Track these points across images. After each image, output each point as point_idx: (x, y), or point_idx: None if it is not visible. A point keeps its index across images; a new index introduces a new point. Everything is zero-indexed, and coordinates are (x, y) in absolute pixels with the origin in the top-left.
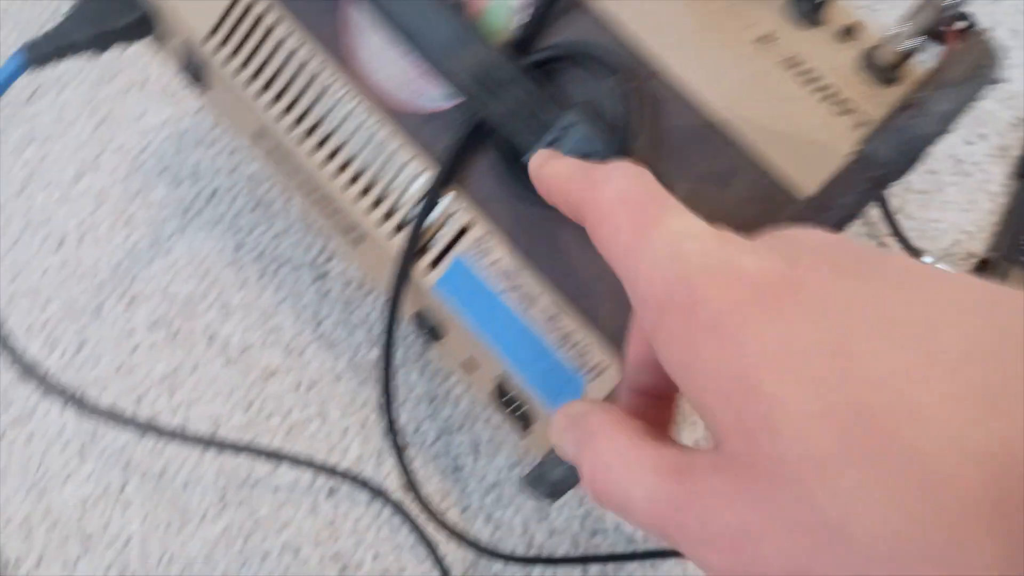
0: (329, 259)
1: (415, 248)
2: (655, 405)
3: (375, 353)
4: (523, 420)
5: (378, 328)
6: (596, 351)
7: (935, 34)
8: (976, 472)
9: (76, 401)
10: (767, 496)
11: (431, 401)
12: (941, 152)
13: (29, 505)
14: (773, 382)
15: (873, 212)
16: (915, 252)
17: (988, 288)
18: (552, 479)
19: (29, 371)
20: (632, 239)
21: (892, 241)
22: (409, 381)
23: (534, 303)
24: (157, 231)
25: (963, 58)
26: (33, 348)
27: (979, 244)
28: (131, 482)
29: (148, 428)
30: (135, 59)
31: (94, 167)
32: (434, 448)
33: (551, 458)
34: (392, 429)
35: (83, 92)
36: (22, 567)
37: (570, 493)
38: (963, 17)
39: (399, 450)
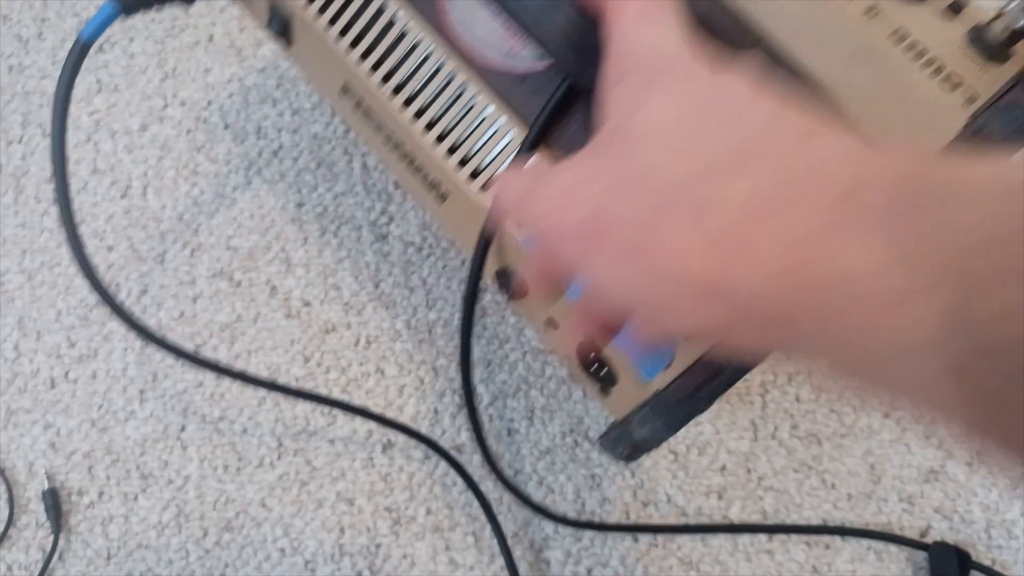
0: (390, 221)
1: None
2: None
3: (432, 315)
4: (605, 381)
5: (437, 291)
6: None
7: None
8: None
9: (145, 333)
10: (605, 154)
11: (487, 365)
12: None
13: (92, 441)
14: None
15: None
16: None
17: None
18: (636, 438)
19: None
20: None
21: None
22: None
23: None
24: (221, 184)
25: None
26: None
27: None
28: (190, 425)
29: (211, 366)
30: (203, 15)
31: (160, 118)
32: (489, 411)
33: (637, 417)
34: (468, 388)
35: (151, 45)
36: (84, 497)
37: (622, 463)
38: None
39: (472, 407)
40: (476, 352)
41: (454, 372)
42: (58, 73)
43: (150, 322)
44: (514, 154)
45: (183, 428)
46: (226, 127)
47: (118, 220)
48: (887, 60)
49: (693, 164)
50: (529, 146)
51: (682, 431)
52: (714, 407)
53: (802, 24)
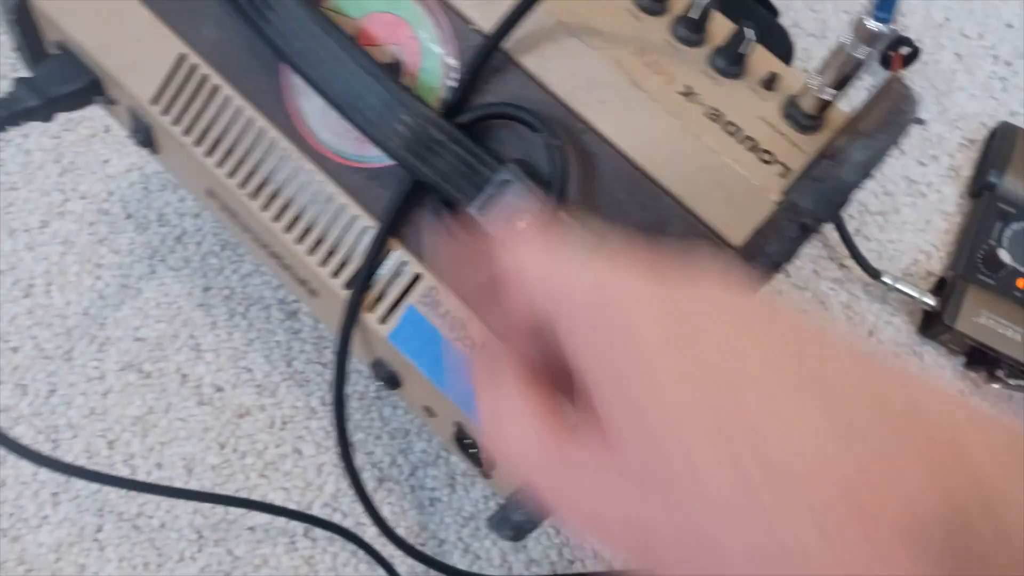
0: (297, 298)
1: (360, 300)
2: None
3: (347, 389)
4: (485, 464)
5: (352, 364)
6: None
7: (883, 59)
8: (828, 484)
9: (45, 460)
10: (657, 495)
11: (405, 435)
12: (895, 174)
13: (2, 551)
14: (675, 403)
15: (832, 235)
16: (874, 273)
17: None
18: (514, 521)
19: None
20: (555, 265)
21: (851, 263)
22: (383, 416)
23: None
24: (125, 275)
25: (881, 105)
26: (4, 394)
27: (937, 263)
28: (106, 525)
29: (116, 481)
30: (97, 107)
31: (61, 213)
32: (410, 482)
33: (513, 501)
34: (357, 482)
35: (47, 140)
36: None
37: (546, 522)
38: (907, 42)
39: (366, 501)
40: (393, 423)
41: (371, 446)
42: None
43: (60, 422)
44: (371, 248)
45: (99, 529)
46: (128, 217)
47: (22, 320)
48: (705, 139)
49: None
50: (383, 239)
51: None
52: None
53: (625, 111)
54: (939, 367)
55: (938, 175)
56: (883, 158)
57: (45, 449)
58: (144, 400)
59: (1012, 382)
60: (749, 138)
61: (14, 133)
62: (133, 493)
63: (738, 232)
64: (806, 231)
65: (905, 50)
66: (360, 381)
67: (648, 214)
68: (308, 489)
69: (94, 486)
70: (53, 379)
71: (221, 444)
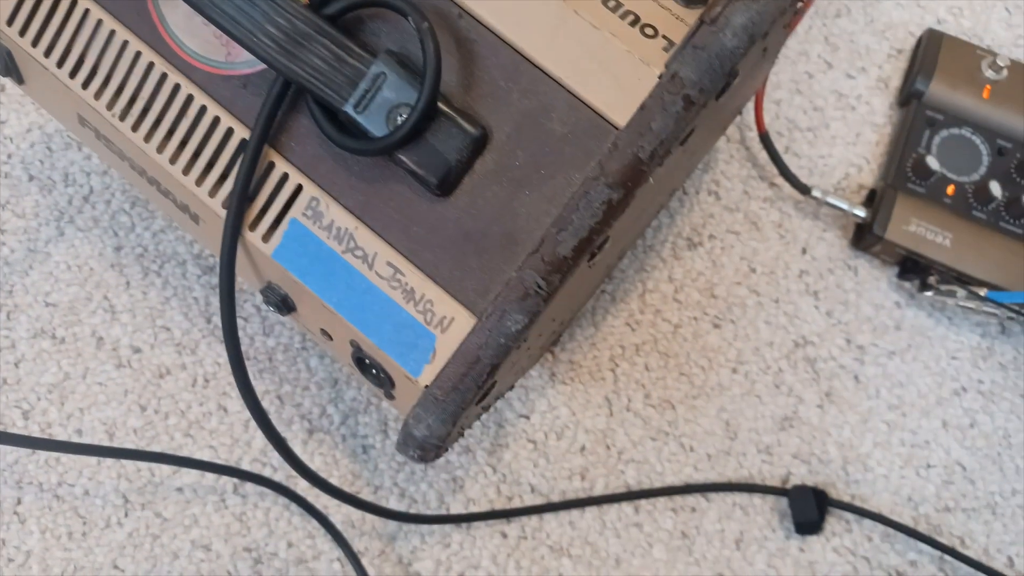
0: (184, 229)
1: (240, 217)
2: None
3: (271, 341)
4: (385, 383)
5: (273, 316)
6: (440, 304)
7: None
8: None
9: None
10: None
11: (334, 384)
12: (824, 88)
13: None
14: None
15: (761, 154)
16: (804, 189)
17: None
18: (418, 438)
19: None
20: None
21: (781, 181)
22: (310, 366)
23: (373, 262)
24: (32, 240)
25: None
26: None
27: (868, 176)
28: (26, 497)
29: (39, 443)
30: None
31: None
32: (341, 431)
33: (411, 417)
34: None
35: None
36: None
37: (482, 460)
38: None
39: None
40: (320, 372)
41: (299, 397)
42: None
43: None
44: (244, 160)
45: (19, 501)
46: (31, 179)
47: None
48: (586, 17)
49: None
50: (257, 149)
51: (537, 417)
52: (567, 388)
53: None
54: (873, 279)
55: (867, 87)
56: (768, 21)
57: None
58: (59, 366)
59: (944, 288)
60: (630, 12)
61: None
62: (52, 462)
63: (623, 111)
64: (691, 104)
65: None
66: (283, 332)
67: (531, 100)
68: (235, 445)
69: (10, 458)
70: None
71: (142, 406)
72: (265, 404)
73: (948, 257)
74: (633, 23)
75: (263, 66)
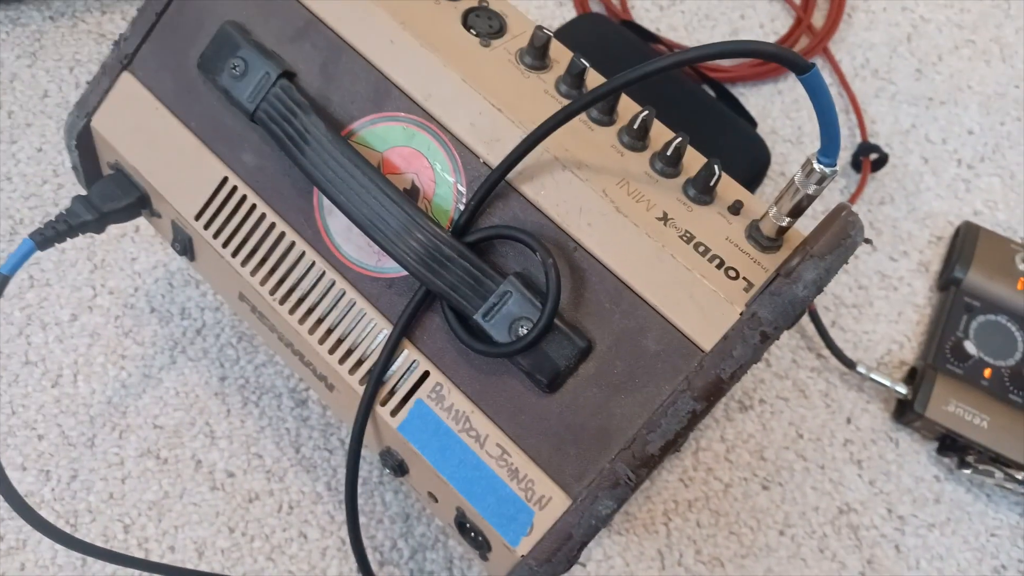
0: (308, 387)
1: (374, 395)
2: None
3: None
4: (482, 546)
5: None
6: (541, 484)
7: (855, 163)
8: None
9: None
10: None
11: (405, 519)
12: (869, 269)
13: None
14: None
15: (809, 327)
16: (849, 363)
17: None
18: None
19: (21, 507)
20: None
21: (828, 353)
22: (385, 500)
23: (485, 443)
24: (147, 366)
25: (830, 229)
26: (28, 480)
27: (909, 353)
28: None
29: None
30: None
31: (90, 308)
32: (409, 565)
33: None
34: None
35: (81, 239)
36: None
37: None
38: (876, 149)
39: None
40: (395, 506)
41: (373, 529)
42: None
43: (79, 506)
44: (385, 347)
45: None
46: (152, 311)
47: (49, 408)
48: (680, 257)
49: None
50: (397, 340)
51: (593, 566)
52: (622, 539)
53: (611, 232)
54: (914, 452)
55: (908, 270)
56: (832, 275)
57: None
58: (160, 485)
59: (981, 467)
60: (717, 256)
61: None
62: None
63: (708, 338)
64: (766, 338)
65: (873, 156)
66: (364, 466)
67: (630, 320)
68: (312, 572)
69: (109, 570)
70: (75, 465)
71: (231, 528)
72: (342, 534)
73: (986, 438)
74: (719, 266)
75: (406, 272)
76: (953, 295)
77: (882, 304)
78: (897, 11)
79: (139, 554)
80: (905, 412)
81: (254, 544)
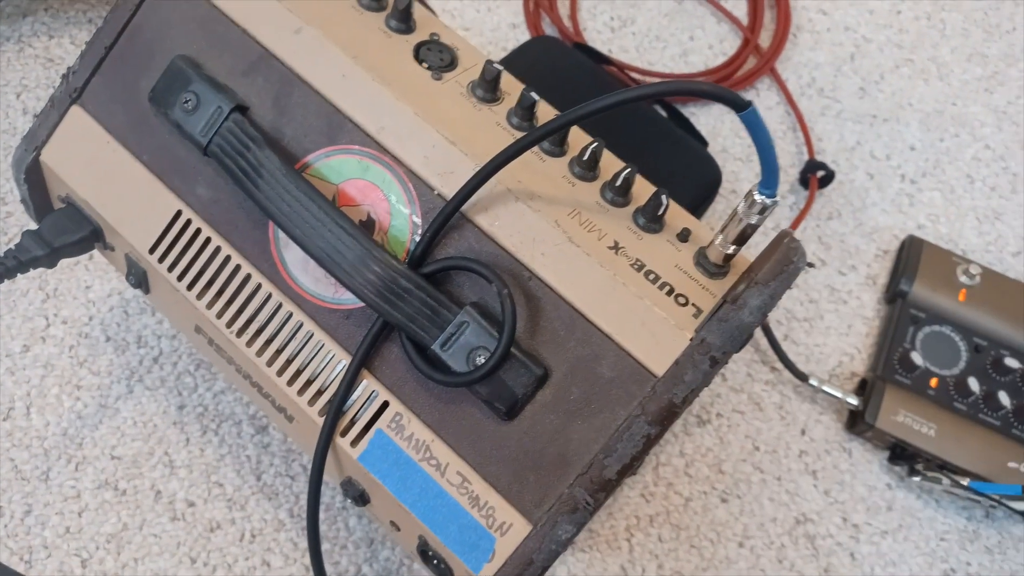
0: (275, 424)
1: (334, 425)
2: None
3: None
4: (445, 573)
5: None
6: (501, 511)
7: (803, 180)
8: None
9: None
10: None
11: (370, 544)
12: (819, 283)
13: None
14: None
15: (763, 341)
16: (802, 376)
17: None
18: None
19: None
20: None
21: (782, 366)
22: (349, 526)
23: (445, 471)
24: (104, 396)
25: (774, 256)
26: None
27: (859, 365)
28: None
29: None
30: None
31: (43, 339)
32: None
33: None
34: None
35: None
36: None
37: None
38: (822, 166)
39: None
40: (358, 532)
41: (337, 556)
42: None
43: (34, 542)
44: (344, 379)
45: None
46: (107, 339)
47: (1, 443)
48: (630, 286)
49: None
50: (356, 371)
51: None
52: (586, 556)
53: (565, 261)
54: (866, 462)
55: (857, 283)
56: (777, 300)
57: (19, 570)
58: (119, 517)
59: (930, 475)
60: (667, 284)
61: None
62: None
63: (660, 364)
64: (715, 363)
65: (821, 172)
66: (327, 492)
67: (585, 348)
68: None
69: None
70: (29, 500)
71: (192, 558)
72: (305, 561)
73: (933, 446)
74: (668, 293)
75: (364, 304)
76: (900, 307)
77: (832, 317)
78: (840, 31)
79: None
80: (857, 423)
81: (216, 574)
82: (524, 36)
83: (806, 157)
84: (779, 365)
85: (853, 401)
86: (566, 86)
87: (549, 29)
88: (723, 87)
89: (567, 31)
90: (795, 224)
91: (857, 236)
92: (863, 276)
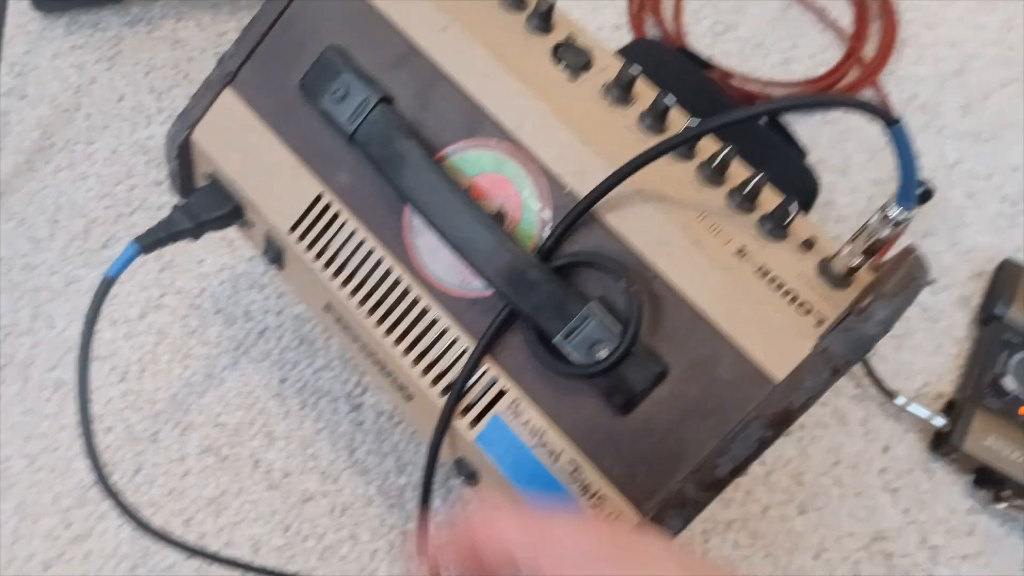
0: (363, 392)
1: (454, 407)
2: None
3: (403, 479)
4: None
5: (407, 456)
6: (611, 501)
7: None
8: None
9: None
10: None
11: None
12: None
13: None
14: None
15: None
16: (889, 393)
17: None
18: None
19: (104, 485)
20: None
21: (868, 382)
22: (435, 506)
23: (559, 458)
24: (211, 365)
25: (899, 270)
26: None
27: (947, 386)
28: None
29: (193, 551)
30: None
31: (157, 307)
32: None
33: None
34: None
35: None
36: None
37: None
38: (922, 183)
39: None
40: (443, 514)
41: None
42: (67, 269)
43: (142, 499)
44: (468, 362)
45: None
46: (217, 312)
47: (116, 403)
48: (754, 291)
49: None
50: (479, 356)
51: None
52: None
53: (689, 264)
54: (949, 484)
55: (949, 303)
56: (900, 315)
57: (126, 524)
58: (219, 483)
59: (1017, 503)
60: (790, 291)
61: (123, 232)
62: (204, 570)
63: (780, 370)
64: (836, 372)
65: (920, 189)
66: (415, 473)
67: (705, 349)
68: (362, 573)
69: (168, 561)
70: (140, 459)
71: (286, 527)
72: (391, 537)
73: (1022, 473)
74: (792, 300)
75: (489, 292)
76: (993, 331)
77: (922, 336)
78: (946, 46)
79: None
80: (942, 444)
81: (307, 543)
82: (627, 37)
83: None
84: (866, 381)
85: (940, 422)
86: (667, 89)
87: (652, 31)
88: (869, 101)
89: (670, 34)
90: (892, 241)
91: (952, 255)
92: (956, 296)
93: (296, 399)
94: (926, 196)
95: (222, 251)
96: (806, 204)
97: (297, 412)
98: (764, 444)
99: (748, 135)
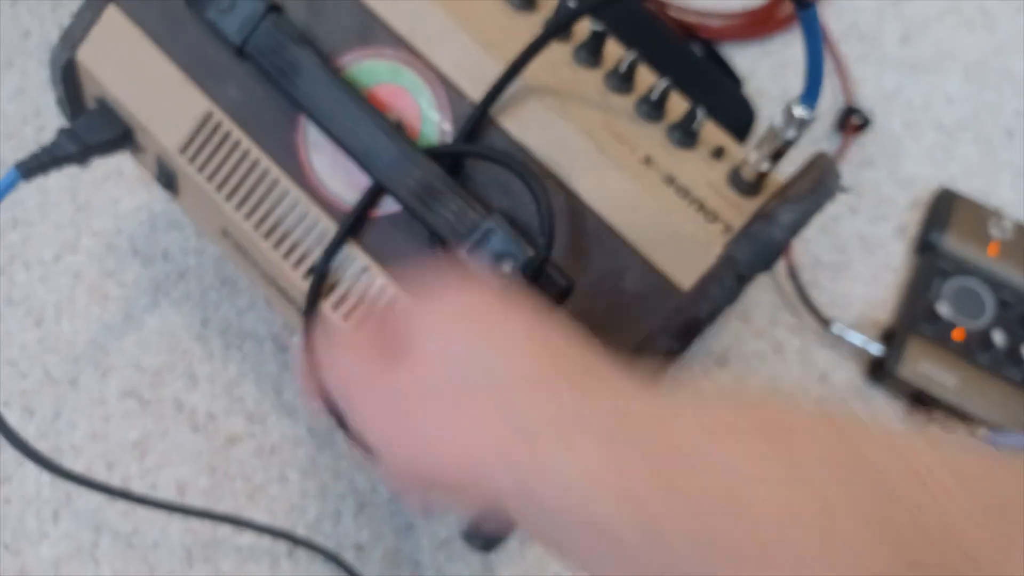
0: (291, 333)
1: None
2: None
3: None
4: None
5: None
6: None
7: (840, 125)
8: None
9: (51, 466)
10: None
11: None
12: (848, 231)
13: (4, 565)
14: None
15: (787, 286)
16: (825, 322)
17: None
18: (486, 532)
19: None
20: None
21: (805, 312)
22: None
23: None
24: (130, 307)
25: (809, 174)
26: (12, 417)
27: (884, 314)
28: (103, 541)
29: (119, 494)
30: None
31: (73, 249)
32: (389, 507)
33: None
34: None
35: (65, 180)
36: None
37: (516, 549)
38: (859, 113)
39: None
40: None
41: (354, 473)
42: None
43: (64, 443)
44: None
45: (96, 545)
46: (135, 253)
47: (32, 348)
48: (661, 200)
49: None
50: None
51: None
52: None
53: (595, 173)
54: (886, 411)
55: (887, 233)
56: (809, 219)
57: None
58: (143, 425)
59: (947, 425)
60: (697, 200)
61: None
62: (129, 512)
63: (686, 278)
64: (742, 280)
65: (857, 120)
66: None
67: (611, 261)
68: (292, 512)
69: (93, 504)
70: (59, 403)
71: (212, 468)
72: (323, 477)
73: (954, 397)
74: (699, 208)
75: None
76: (928, 259)
77: (860, 266)
78: None
79: None
80: (878, 372)
81: (235, 485)
82: None
83: (843, 102)
84: (803, 311)
85: (876, 348)
86: (601, 17)
87: None
88: None
89: None
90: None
91: (891, 185)
92: (894, 226)
93: (219, 340)
94: (863, 126)
95: (139, 190)
96: (741, 133)
97: (221, 354)
98: (672, 356)
99: (683, 64)
